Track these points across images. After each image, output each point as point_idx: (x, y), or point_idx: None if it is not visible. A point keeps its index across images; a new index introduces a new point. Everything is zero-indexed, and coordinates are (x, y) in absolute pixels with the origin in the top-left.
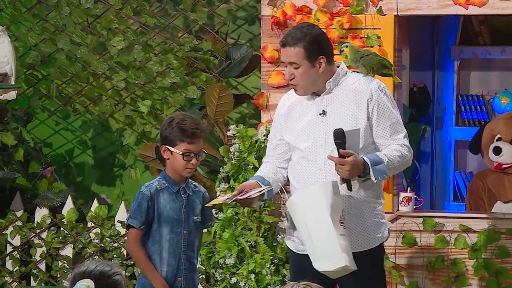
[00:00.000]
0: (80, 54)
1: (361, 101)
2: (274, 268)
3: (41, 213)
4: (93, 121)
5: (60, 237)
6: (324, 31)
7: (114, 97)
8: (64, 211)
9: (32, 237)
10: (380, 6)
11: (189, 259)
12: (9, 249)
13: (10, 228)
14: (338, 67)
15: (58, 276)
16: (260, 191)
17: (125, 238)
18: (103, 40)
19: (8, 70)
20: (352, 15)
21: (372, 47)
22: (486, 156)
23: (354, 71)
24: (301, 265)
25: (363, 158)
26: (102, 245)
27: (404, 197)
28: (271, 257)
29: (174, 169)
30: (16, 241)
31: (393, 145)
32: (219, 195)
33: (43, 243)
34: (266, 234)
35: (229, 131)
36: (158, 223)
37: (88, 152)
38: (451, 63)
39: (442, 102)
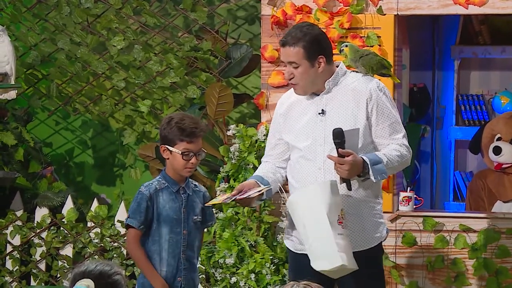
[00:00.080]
0: (80, 53)
1: (360, 101)
2: (274, 267)
3: (41, 213)
4: (93, 121)
5: (60, 237)
6: (324, 30)
7: (114, 97)
8: (64, 211)
9: (32, 236)
10: (380, 6)
11: (188, 259)
12: (9, 248)
13: (10, 228)
14: (337, 66)
15: (58, 275)
16: (259, 191)
17: (125, 238)
18: (103, 39)
19: (8, 70)
20: (352, 14)
21: (372, 46)
22: (486, 156)
23: (353, 71)
24: (299, 264)
25: (363, 158)
26: (102, 244)
27: (404, 197)
28: (271, 257)
29: (174, 169)
30: (16, 240)
31: (392, 145)
32: (219, 195)
33: (43, 243)
34: (266, 233)
35: (229, 130)
36: (158, 223)
37: (88, 152)
38: (451, 62)
39: (442, 102)
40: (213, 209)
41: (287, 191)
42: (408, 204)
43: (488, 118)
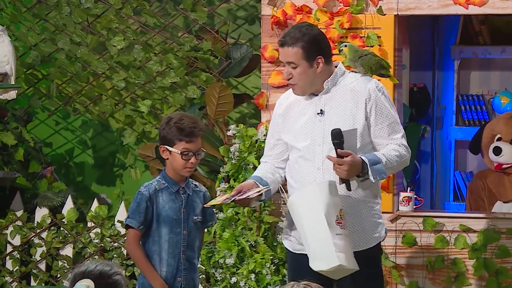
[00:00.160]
0: (80, 53)
1: (359, 101)
2: (274, 268)
3: (41, 213)
4: (93, 121)
5: (60, 237)
6: (324, 31)
7: (114, 97)
8: (64, 211)
9: (32, 237)
10: (380, 6)
11: (189, 259)
12: (9, 249)
13: (10, 228)
14: (336, 67)
15: (58, 276)
16: (258, 192)
17: (125, 238)
18: (103, 39)
19: (8, 70)
20: (352, 14)
21: (372, 46)
22: (486, 156)
23: (352, 71)
24: (298, 264)
25: (362, 158)
26: (102, 245)
27: (404, 197)
28: (271, 257)
29: (173, 169)
30: (16, 241)
31: (391, 145)
32: (218, 195)
33: (43, 243)
34: (266, 234)
35: (229, 130)
36: (157, 223)
37: (88, 152)
38: (451, 63)
39: (442, 102)
40: (213, 209)
41: (286, 191)
42: (408, 204)
43: (488, 118)
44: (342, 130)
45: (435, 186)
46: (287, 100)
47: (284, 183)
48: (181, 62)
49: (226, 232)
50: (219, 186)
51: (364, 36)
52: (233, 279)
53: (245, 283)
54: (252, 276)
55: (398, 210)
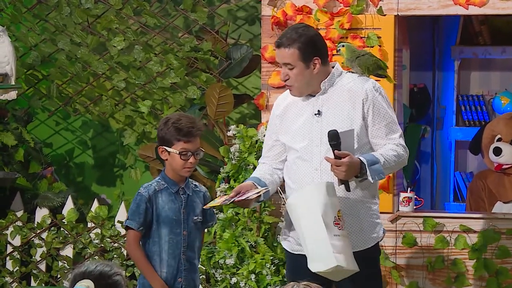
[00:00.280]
0: (80, 54)
1: (356, 101)
2: (274, 268)
3: (41, 213)
4: (93, 121)
5: (60, 237)
6: (325, 31)
7: (114, 97)
8: (64, 211)
9: (32, 237)
10: (380, 6)
11: (189, 260)
12: (9, 249)
13: (11, 228)
14: (333, 67)
15: (58, 276)
16: (257, 193)
17: (125, 239)
18: (103, 40)
19: (9, 70)
20: (352, 15)
21: (372, 47)
22: (486, 156)
23: (349, 71)
24: (296, 265)
25: (360, 158)
26: (102, 245)
27: (404, 197)
28: (271, 257)
29: (172, 169)
30: (17, 241)
31: (389, 145)
32: (218, 196)
33: (43, 243)
34: (266, 234)
35: (229, 131)
36: (157, 224)
37: (88, 152)
38: (451, 63)
39: (442, 102)
40: (214, 210)
41: (284, 192)
42: (409, 205)
43: (489, 119)
44: (339, 131)
45: (435, 186)
46: (285, 101)
47: (282, 184)
48: (181, 63)
49: (226, 232)
50: (219, 187)
51: (364, 37)
52: (233, 280)
53: (245, 284)
54: (252, 276)
55: (398, 210)
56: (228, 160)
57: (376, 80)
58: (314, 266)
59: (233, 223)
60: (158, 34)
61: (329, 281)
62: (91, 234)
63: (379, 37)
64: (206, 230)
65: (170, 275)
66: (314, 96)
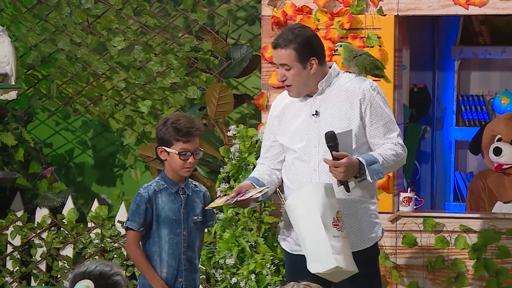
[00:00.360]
0: (80, 54)
1: (354, 101)
2: (274, 268)
3: (41, 213)
4: (93, 121)
5: (61, 237)
6: (325, 31)
7: (114, 97)
8: (65, 211)
9: (33, 237)
10: (381, 6)
11: (189, 260)
12: (10, 249)
13: (11, 228)
14: (330, 67)
15: (59, 276)
16: (260, 191)
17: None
18: (103, 40)
19: (9, 70)
20: (353, 15)
21: (372, 47)
22: (486, 156)
23: (346, 71)
24: (295, 265)
25: (358, 159)
26: (103, 245)
27: (404, 197)
28: (271, 257)
29: (172, 170)
30: (17, 241)
31: (387, 144)
32: (218, 196)
33: (44, 243)
34: (266, 234)
35: (229, 131)
36: (157, 224)
37: (88, 152)
38: (451, 63)
39: (443, 102)
40: (214, 210)
41: (283, 192)
42: (409, 205)
43: (489, 119)
44: (336, 132)
45: (435, 186)
46: (282, 102)
47: (281, 184)
48: (181, 63)
49: (226, 232)
50: (219, 187)
51: (365, 37)
52: (234, 280)
53: (245, 284)
54: (252, 276)
55: (398, 210)
56: (228, 160)
57: (374, 80)
58: (313, 267)
59: (233, 223)
60: (158, 34)
61: (328, 281)
62: (91, 234)
63: (379, 37)
64: (206, 230)
65: (170, 275)
66: (312, 96)
